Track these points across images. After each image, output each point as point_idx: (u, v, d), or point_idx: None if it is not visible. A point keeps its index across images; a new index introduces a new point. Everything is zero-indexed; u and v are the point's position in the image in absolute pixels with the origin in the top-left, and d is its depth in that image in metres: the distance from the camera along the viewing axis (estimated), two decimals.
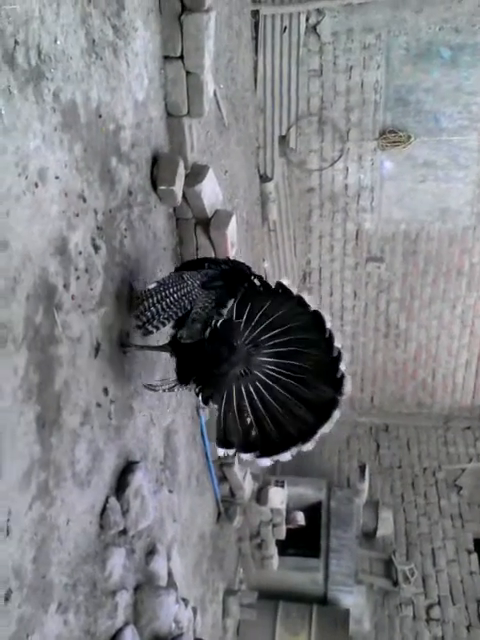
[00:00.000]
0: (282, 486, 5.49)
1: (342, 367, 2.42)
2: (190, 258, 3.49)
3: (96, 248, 2.31)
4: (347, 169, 6.58)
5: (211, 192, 3.34)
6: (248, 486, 4.92)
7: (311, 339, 2.48)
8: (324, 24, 5.78)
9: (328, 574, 6.38)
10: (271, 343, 2.49)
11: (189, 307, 2.50)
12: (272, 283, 2.50)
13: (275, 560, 6.00)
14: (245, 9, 5.10)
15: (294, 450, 2.47)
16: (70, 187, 2.10)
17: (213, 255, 3.46)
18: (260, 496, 5.12)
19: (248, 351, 2.47)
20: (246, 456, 2.52)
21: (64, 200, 2.06)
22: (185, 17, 2.85)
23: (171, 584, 3.07)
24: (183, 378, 2.55)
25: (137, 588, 2.63)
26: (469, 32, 5.74)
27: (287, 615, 6.23)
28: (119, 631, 2.40)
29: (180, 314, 2.50)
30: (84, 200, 2.21)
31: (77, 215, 2.15)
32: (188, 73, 2.99)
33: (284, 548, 6.47)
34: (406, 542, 7.65)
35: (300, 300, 2.44)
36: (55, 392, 2.06)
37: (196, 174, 3.25)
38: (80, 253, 2.19)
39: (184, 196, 3.24)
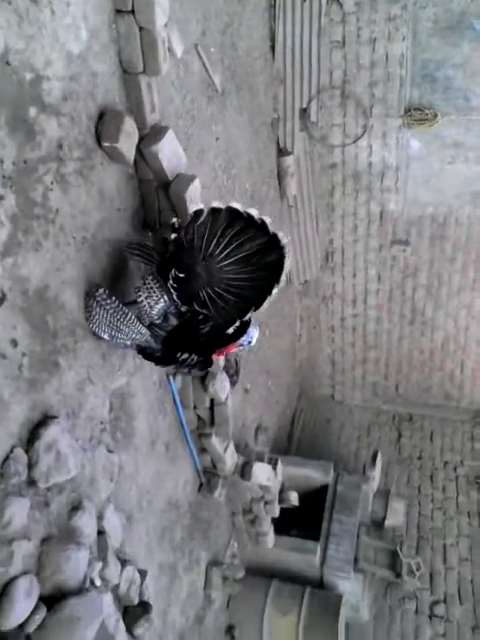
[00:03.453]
0: (275, 463, 5.39)
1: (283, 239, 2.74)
2: (152, 219, 3.47)
3: None
4: (371, 146, 6.34)
5: (172, 154, 3.27)
6: (230, 459, 4.85)
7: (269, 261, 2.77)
8: None
9: (325, 558, 6.29)
10: (232, 259, 2.80)
11: None
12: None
13: (270, 538, 5.95)
14: None
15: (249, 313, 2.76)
16: None
17: (175, 217, 3.36)
18: (244, 471, 5.04)
19: (211, 265, 2.80)
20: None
21: None
22: None
23: (101, 543, 3.08)
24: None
25: (44, 540, 2.65)
26: None
27: (279, 594, 6.19)
28: (14, 579, 2.43)
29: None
30: None
31: None
32: (141, 28, 2.93)
33: (287, 528, 6.42)
34: (417, 535, 7.47)
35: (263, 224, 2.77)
36: None
37: (155, 134, 3.20)
38: None
39: (145, 157, 3.20)
